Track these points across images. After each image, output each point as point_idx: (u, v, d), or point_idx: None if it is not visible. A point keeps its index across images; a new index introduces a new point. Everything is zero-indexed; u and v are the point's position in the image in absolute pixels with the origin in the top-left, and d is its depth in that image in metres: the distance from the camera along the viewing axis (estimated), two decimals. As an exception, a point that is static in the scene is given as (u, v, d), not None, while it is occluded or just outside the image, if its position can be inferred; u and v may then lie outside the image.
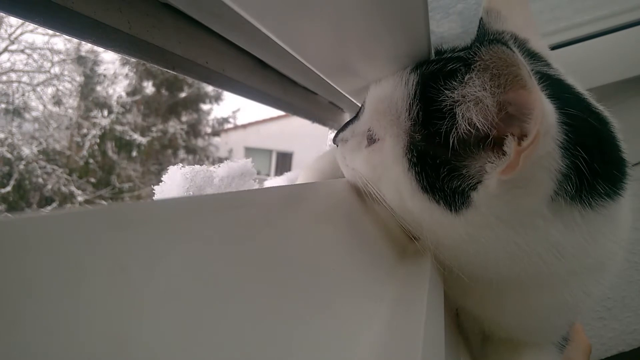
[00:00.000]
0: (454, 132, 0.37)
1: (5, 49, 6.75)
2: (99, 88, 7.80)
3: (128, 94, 8.03)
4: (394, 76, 0.45)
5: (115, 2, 0.48)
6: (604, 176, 0.36)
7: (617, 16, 0.98)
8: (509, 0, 0.51)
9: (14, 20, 6.54)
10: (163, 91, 8.63)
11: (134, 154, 7.85)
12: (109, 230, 0.17)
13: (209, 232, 0.22)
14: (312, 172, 0.68)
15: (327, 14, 0.35)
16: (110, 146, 7.62)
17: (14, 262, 0.13)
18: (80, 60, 7.43)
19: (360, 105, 0.54)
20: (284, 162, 10.16)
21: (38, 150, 6.79)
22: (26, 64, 7.02)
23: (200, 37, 0.63)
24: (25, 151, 6.58)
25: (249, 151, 9.77)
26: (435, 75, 0.39)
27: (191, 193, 0.50)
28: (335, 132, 0.56)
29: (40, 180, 6.64)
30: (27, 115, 6.97)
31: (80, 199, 6.89)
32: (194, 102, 9.10)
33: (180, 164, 0.52)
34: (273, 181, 0.85)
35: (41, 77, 7.11)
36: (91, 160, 7.31)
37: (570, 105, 0.35)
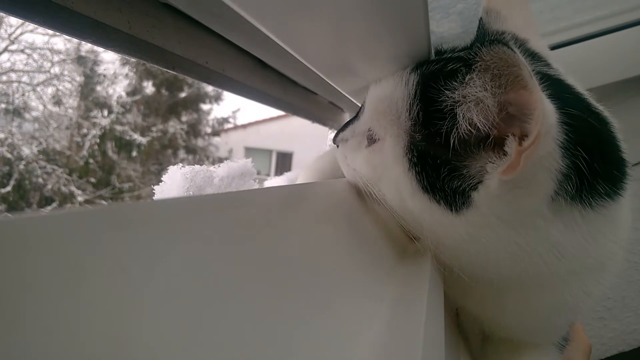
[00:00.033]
0: (455, 132, 0.37)
1: (5, 49, 6.75)
2: (99, 88, 7.81)
3: (128, 94, 8.03)
4: (394, 76, 0.45)
5: (115, 2, 0.48)
6: (604, 176, 0.36)
7: (617, 16, 0.98)
8: (509, 0, 0.51)
9: (14, 20, 6.55)
10: (163, 91, 8.63)
11: (134, 154, 7.85)
12: (109, 230, 0.17)
13: (209, 232, 0.22)
14: (312, 172, 0.68)
15: (327, 14, 0.35)
16: (110, 146, 7.62)
17: (14, 262, 0.13)
18: (80, 60, 7.43)
19: (360, 105, 0.54)
20: (284, 162, 10.16)
21: (38, 150, 6.79)
22: (26, 64, 7.03)
23: (200, 37, 0.63)
24: (25, 151, 6.58)
25: (249, 151, 9.77)
26: (435, 75, 0.39)
27: (191, 193, 0.50)
28: (335, 132, 0.56)
29: (40, 180, 6.64)
30: (27, 115, 6.98)
31: (80, 199, 6.89)
32: (194, 102, 9.10)
33: (180, 164, 0.52)
34: (273, 181, 0.85)
35: (41, 77, 7.11)
36: (91, 160, 7.31)
37: (570, 106, 0.35)
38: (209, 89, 8.87)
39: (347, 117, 1.28)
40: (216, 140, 9.76)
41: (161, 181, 0.51)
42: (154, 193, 0.50)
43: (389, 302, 0.34)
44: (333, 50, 0.44)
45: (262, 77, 0.84)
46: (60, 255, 0.14)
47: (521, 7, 0.52)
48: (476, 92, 0.35)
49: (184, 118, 8.94)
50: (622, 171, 0.39)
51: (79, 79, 7.51)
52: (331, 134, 1.14)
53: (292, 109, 1.08)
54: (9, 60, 6.88)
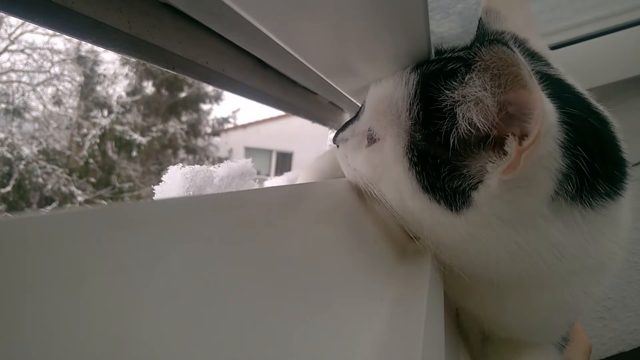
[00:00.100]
0: (454, 132, 0.37)
1: (5, 49, 6.75)
2: (99, 88, 7.81)
3: (128, 94, 8.03)
4: (394, 76, 0.45)
5: (115, 2, 0.48)
6: (604, 176, 0.36)
7: (617, 16, 0.98)
8: (509, 0, 0.51)
9: (14, 20, 6.55)
10: (163, 91, 8.63)
11: (134, 154, 7.85)
12: (109, 230, 0.17)
13: (209, 232, 0.22)
14: (312, 172, 0.68)
15: (327, 14, 0.35)
16: (110, 146, 7.62)
17: (14, 262, 0.13)
18: (80, 60, 7.43)
19: (360, 105, 0.54)
20: (284, 162, 10.16)
21: (38, 150, 6.79)
22: (26, 64, 7.03)
23: (200, 37, 0.63)
24: (25, 151, 6.58)
25: (249, 151, 9.77)
26: (435, 75, 0.39)
27: (191, 193, 0.50)
28: (336, 131, 0.56)
29: (40, 180, 6.64)
30: (27, 115, 6.98)
31: (80, 199, 6.89)
32: (194, 102, 9.10)
33: (180, 164, 0.52)
34: (273, 181, 0.85)
35: (41, 77, 7.12)
36: (91, 160, 7.32)
37: (570, 105, 0.35)
38: (209, 89, 8.88)
39: (347, 117, 1.28)
40: (216, 140, 9.77)
41: (161, 181, 0.51)
42: (154, 193, 0.50)
43: (389, 302, 0.34)
44: (333, 50, 0.44)
45: (262, 77, 0.84)
46: (60, 255, 0.14)
47: (521, 7, 0.52)
48: (476, 91, 0.35)
49: (184, 118, 8.94)
50: (622, 171, 0.39)
51: (79, 79, 7.51)
52: (331, 134, 1.14)
53: (292, 109, 1.08)
54: (9, 60, 6.89)
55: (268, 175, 9.13)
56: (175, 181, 0.50)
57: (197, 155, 9.02)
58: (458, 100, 0.37)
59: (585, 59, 0.99)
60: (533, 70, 0.31)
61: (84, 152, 7.24)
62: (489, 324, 0.51)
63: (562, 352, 0.53)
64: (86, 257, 0.15)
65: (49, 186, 6.71)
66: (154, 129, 8.16)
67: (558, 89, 0.36)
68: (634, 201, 0.42)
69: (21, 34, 6.83)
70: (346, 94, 0.61)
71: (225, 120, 9.74)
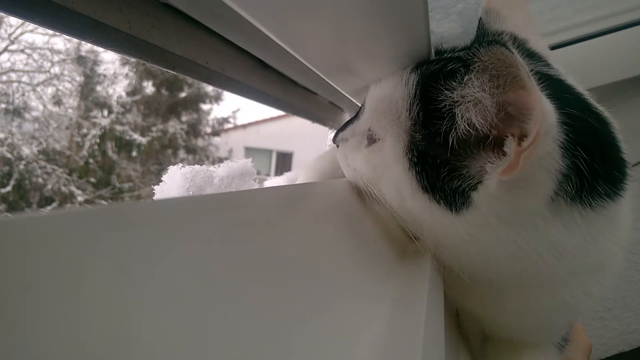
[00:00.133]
0: (454, 133, 0.37)
1: (5, 49, 6.75)
2: (99, 88, 7.81)
3: (128, 94, 8.03)
4: (394, 76, 0.45)
5: (115, 2, 0.48)
6: (604, 177, 0.36)
7: (617, 16, 0.98)
8: (509, 1, 0.51)
9: (14, 20, 6.55)
10: (163, 91, 8.63)
11: (134, 154, 7.85)
12: (109, 230, 0.17)
13: (209, 232, 0.22)
14: (312, 172, 0.68)
15: (327, 14, 0.35)
16: (110, 146, 7.62)
17: (14, 262, 0.13)
18: (80, 60, 7.43)
19: (360, 105, 0.54)
20: (284, 162, 10.16)
21: (38, 150, 6.79)
22: (26, 64, 7.03)
23: (200, 37, 0.63)
24: (25, 151, 6.58)
25: (249, 151, 9.77)
26: (435, 75, 0.39)
27: (191, 193, 0.50)
28: (335, 131, 0.56)
29: (40, 180, 6.64)
30: (27, 115, 6.98)
31: (80, 199, 6.89)
32: (194, 102, 9.10)
33: (180, 164, 0.52)
34: (273, 181, 0.85)
35: (41, 77, 7.12)
36: (91, 160, 7.32)
37: (570, 106, 0.35)
38: (209, 89, 8.88)
39: (347, 117, 1.28)
40: (216, 140, 9.77)
41: (161, 181, 0.51)
42: (154, 193, 0.50)
43: (389, 302, 0.34)
44: (333, 50, 0.44)
45: (262, 77, 0.84)
46: (60, 255, 0.14)
47: (521, 7, 0.52)
48: (474, 92, 0.35)
49: (184, 118, 8.94)
50: (622, 172, 0.39)
51: (79, 79, 7.51)
52: (331, 133, 1.14)
53: (292, 109, 1.08)
54: (9, 60, 6.89)
55: (268, 175, 9.13)
56: (175, 181, 0.50)
57: (197, 155, 9.03)
58: (457, 101, 0.37)
59: (585, 59, 0.99)
60: (532, 70, 0.31)
61: (84, 152, 7.24)
62: (489, 324, 0.51)
63: (562, 352, 0.53)
64: (86, 257, 0.15)
65: (49, 186, 6.71)
66: (154, 129, 8.16)
67: (558, 90, 0.36)
68: (634, 201, 0.42)
69: (21, 34, 6.84)
70: (346, 94, 0.61)
71: (225, 120, 9.74)
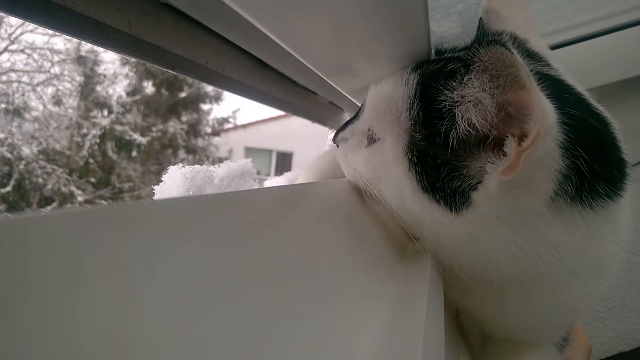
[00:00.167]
0: (454, 133, 0.37)
1: (5, 49, 6.75)
2: (99, 88, 7.81)
3: (128, 94, 8.03)
4: (394, 76, 0.45)
5: (115, 2, 0.48)
6: (604, 177, 0.36)
7: (617, 16, 0.98)
8: (509, 0, 0.51)
9: (14, 20, 6.55)
10: (163, 91, 8.63)
11: (134, 154, 7.85)
12: (109, 230, 0.17)
13: (209, 232, 0.22)
14: (312, 172, 0.68)
15: (327, 14, 0.35)
16: (110, 146, 7.62)
17: (14, 262, 0.13)
18: (80, 60, 7.43)
19: (360, 105, 0.54)
20: (284, 162, 10.16)
21: (38, 150, 6.79)
22: (26, 64, 7.03)
23: (200, 37, 0.63)
24: (25, 151, 6.58)
25: (249, 151, 9.77)
26: (435, 75, 0.39)
27: (191, 193, 0.50)
28: (335, 131, 0.56)
29: (40, 180, 6.64)
30: (27, 115, 6.98)
31: (80, 199, 6.89)
32: (194, 102, 9.10)
33: (180, 164, 0.52)
34: (273, 181, 0.85)
35: (41, 77, 7.12)
36: (91, 160, 7.32)
37: (570, 106, 0.35)
38: (209, 89, 8.88)
39: (347, 117, 1.28)
40: (216, 140, 9.77)
41: (161, 181, 0.51)
42: (154, 193, 0.50)
43: (389, 302, 0.34)
44: (333, 50, 0.44)
45: (262, 77, 0.84)
46: (60, 255, 0.14)
47: (521, 7, 0.52)
48: (474, 92, 0.35)
49: (184, 118, 8.94)
50: (622, 172, 0.39)
51: (79, 79, 7.51)
52: (331, 133, 1.14)
53: (292, 109, 1.08)
54: (9, 60, 6.89)
55: (268, 175, 9.13)
56: (175, 181, 0.50)
57: (197, 155, 9.03)
58: (457, 101, 0.37)
59: (585, 59, 0.99)
60: (532, 70, 0.31)
61: (84, 152, 7.24)
62: (489, 324, 0.51)
63: (562, 352, 0.53)
64: (86, 257, 0.15)
65: (49, 186, 6.71)
66: (154, 129, 8.16)
67: (558, 90, 0.36)
68: (634, 201, 0.42)
69: (21, 34, 6.84)
70: (346, 94, 0.61)
71: (225, 120, 9.74)
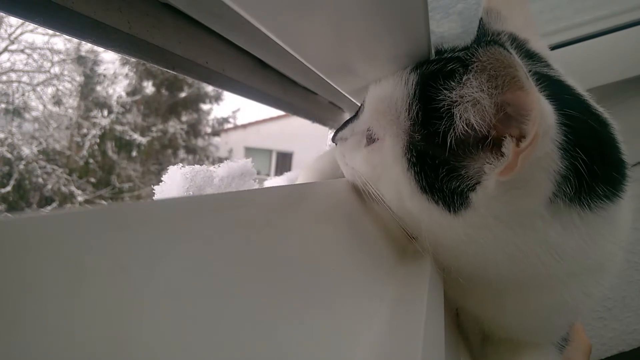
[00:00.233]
0: (452, 133, 0.37)
1: (5, 49, 6.75)
2: (99, 88, 7.81)
3: (128, 94, 8.03)
4: (394, 76, 0.45)
5: (115, 2, 0.48)
6: (603, 178, 0.36)
7: (617, 16, 0.98)
8: (509, 1, 0.51)
9: (14, 20, 6.55)
10: (163, 91, 8.63)
11: (134, 154, 7.85)
12: (109, 230, 0.17)
13: (209, 232, 0.22)
14: (312, 172, 0.68)
15: (327, 14, 0.35)
16: (110, 146, 7.62)
17: (14, 262, 0.13)
18: (80, 60, 7.43)
19: (360, 104, 0.54)
20: (284, 162, 10.16)
21: (38, 150, 6.79)
22: (26, 64, 7.03)
23: (200, 37, 0.63)
24: (25, 151, 6.58)
25: (249, 151, 9.77)
26: (434, 75, 0.39)
27: (191, 193, 0.50)
28: (335, 130, 0.56)
29: (40, 180, 6.64)
30: (27, 115, 6.98)
31: (80, 199, 6.89)
32: (194, 102, 9.10)
33: (180, 164, 0.52)
34: (273, 181, 0.85)
35: (41, 77, 7.12)
36: (91, 160, 7.32)
37: (570, 107, 0.35)
38: (209, 89, 8.88)
39: (347, 117, 1.28)
40: (216, 140, 9.77)
41: (161, 181, 0.51)
42: (154, 193, 0.50)
43: (389, 302, 0.34)
44: (333, 50, 0.44)
45: (262, 77, 0.84)
46: (60, 255, 0.14)
47: (521, 7, 0.52)
48: (473, 92, 0.35)
49: (184, 118, 8.94)
50: (621, 173, 0.39)
51: (79, 79, 7.51)
52: (331, 133, 1.14)
53: (292, 109, 1.08)
54: (9, 60, 6.89)
55: (268, 175, 9.13)
56: (175, 181, 0.50)
57: (197, 155, 9.03)
58: (456, 101, 0.37)
59: (585, 59, 0.99)
60: (530, 71, 0.31)
61: (84, 152, 7.24)
62: (489, 324, 0.51)
63: (562, 352, 0.53)
64: (86, 257, 0.15)
65: (49, 186, 6.71)
66: (154, 129, 8.16)
67: (557, 90, 0.36)
68: (634, 201, 0.42)
69: (21, 34, 6.84)
70: (346, 94, 0.61)
71: (225, 120, 9.74)
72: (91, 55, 7.47)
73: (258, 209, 0.29)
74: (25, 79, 7.00)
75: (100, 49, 6.53)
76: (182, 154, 8.76)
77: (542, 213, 0.36)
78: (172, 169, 0.51)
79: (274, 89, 0.91)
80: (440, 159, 0.38)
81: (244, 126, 10.19)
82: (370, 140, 0.48)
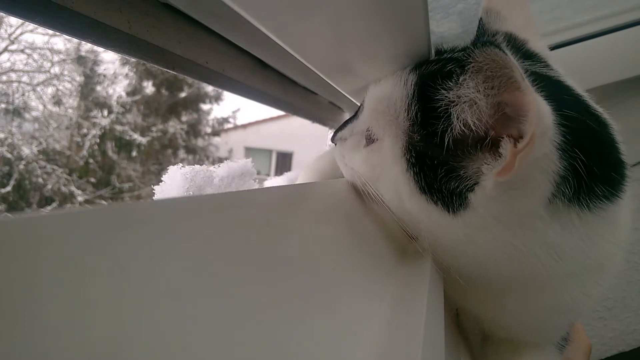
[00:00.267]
0: (450, 133, 0.37)
1: (5, 49, 6.75)
2: (99, 88, 7.81)
3: (128, 94, 8.03)
4: (394, 76, 0.45)
5: (115, 2, 0.48)
6: (602, 179, 0.36)
7: (617, 16, 0.98)
8: (509, 1, 0.51)
9: (14, 20, 6.55)
10: (163, 91, 8.63)
11: (134, 154, 7.85)
12: (109, 230, 0.17)
13: (209, 232, 0.22)
14: (312, 172, 0.68)
15: (327, 14, 0.35)
16: (110, 146, 7.62)
17: (14, 262, 0.13)
18: (80, 60, 7.43)
19: (359, 104, 0.54)
20: (284, 162, 10.16)
21: (38, 150, 6.79)
22: (26, 64, 7.03)
23: (200, 37, 0.63)
24: (25, 151, 6.58)
25: (249, 151, 9.77)
26: (433, 76, 0.39)
27: (191, 193, 0.50)
28: (334, 130, 0.56)
29: (40, 180, 6.64)
30: (27, 115, 6.98)
31: (80, 199, 6.89)
32: (194, 102, 9.10)
33: (180, 164, 0.52)
34: (273, 181, 0.85)
35: (41, 77, 7.12)
36: (91, 160, 7.32)
37: (568, 107, 0.35)
38: (209, 89, 8.88)
39: (347, 117, 1.28)
40: (216, 140, 9.77)
41: (161, 181, 0.51)
42: (154, 193, 0.50)
43: (389, 302, 0.34)
44: (333, 50, 0.44)
45: (262, 77, 0.84)
46: (60, 255, 0.14)
47: (521, 7, 0.52)
48: (469, 93, 0.35)
49: (184, 118, 8.94)
50: (620, 173, 0.39)
51: (79, 79, 7.51)
52: (331, 133, 1.14)
53: (292, 109, 1.08)
54: (9, 60, 6.89)
55: (268, 175, 9.13)
56: (175, 181, 0.50)
57: (197, 155, 9.03)
58: (453, 101, 0.37)
59: (585, 59, 0.99)
60: (528, 71, 0.31)
61: (84, 152, 7.24)
62: (489, 324, 0.51)
63: (562, 352, 0.53)
64: (86, 257, 0.15)
65: (49, 186, 6.71)
66: (154, 129, 8.16)
67: (556, 91, 0.36)
68: (634, 201, 0.42)
69: (21, 34, 6.84)
70: (346, 94, 0.61)
71: (225, 120, 9.74)
72: (91, 55, 7.47)
73: (258, 209, 0.29)
74: (25, 79, 7.01)
75: (100, 49, 6.53)
76: (182, 154, 8.76)
77: (541, 213, 0.36)
78: (172, 169, 0.51)
79: (274, 89, 0.91)
80: (439, 159, 0.38)
81: (244, 126, 10.19)
82: (370, 140, 0.48)
